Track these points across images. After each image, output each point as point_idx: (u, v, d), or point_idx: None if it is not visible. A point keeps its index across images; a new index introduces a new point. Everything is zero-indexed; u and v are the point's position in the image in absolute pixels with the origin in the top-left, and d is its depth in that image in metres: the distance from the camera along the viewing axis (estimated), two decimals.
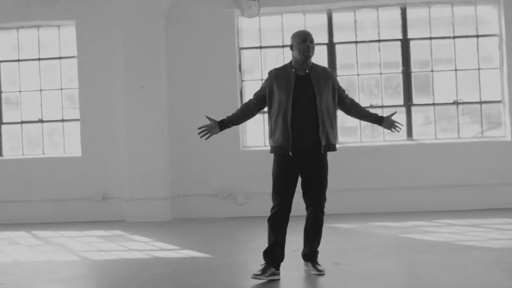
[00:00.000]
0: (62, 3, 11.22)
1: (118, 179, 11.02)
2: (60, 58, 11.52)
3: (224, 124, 6.31)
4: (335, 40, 11.07)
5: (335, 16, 11.10)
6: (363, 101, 11.00)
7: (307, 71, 6.13)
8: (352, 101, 6.39)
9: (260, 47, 11.21)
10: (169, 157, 11.02)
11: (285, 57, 11.08)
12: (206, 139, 6.43)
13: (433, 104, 10.94)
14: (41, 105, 11.54)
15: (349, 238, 8.22)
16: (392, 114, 6.38)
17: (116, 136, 11.03)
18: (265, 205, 9.87)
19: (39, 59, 11.56)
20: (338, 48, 11.08)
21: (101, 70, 11.16)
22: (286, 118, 5.99)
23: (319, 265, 6.26)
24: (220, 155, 11.00)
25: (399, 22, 10.98)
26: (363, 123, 10.83)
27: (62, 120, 11.51)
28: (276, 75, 6.18)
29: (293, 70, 6.14)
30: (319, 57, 11.06)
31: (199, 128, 6.36)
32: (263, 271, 6.00)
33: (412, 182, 10.66)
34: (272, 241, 6.07)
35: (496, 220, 9.15)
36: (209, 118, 6.36)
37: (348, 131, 11.24)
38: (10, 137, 11.69)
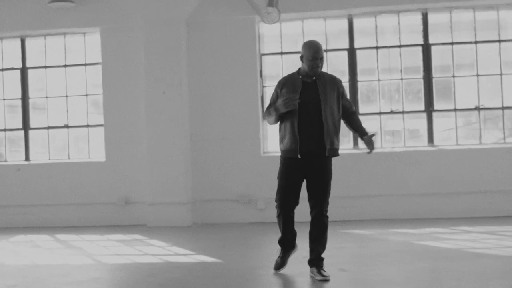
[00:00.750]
0: (87, 11, 11.43)
1: (141, 184, 11.18)
2: (86, 64, 11.75)
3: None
4: (356, 45, 11.07)
5: (356, 22, 11.11)
6: (383, 107, 10.99)
7: (314, 78, 6.27)
8: (353, 110, 6.50)
9: (281, 53, 11.27)
10: (190, 162, 11.15)
11: None
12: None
13: (455, 109, 10.86)
14: (67, 111, 11.78)
15: (362, 244, 8.23)
16: (373, 135, 6.45)
17: (139, 141, 11.19)
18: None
19: (65, 65, 11.81)
20: (358, 53, 11.09)
21: (125, 76, 11.35)
22: (294, 123, 6.17)
23: (324, 271, 6.27)
24: (241, 161, 11.09)
25: (420, 27, 10.93)
26: (383, 129, 10.91)
27: (87, 126, 11.73)
28: (285, 83, 6.37)
29: (300, 77, 6.30)
30: (340, 63, 11.12)
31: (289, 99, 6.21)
32: (282, 259, 6.52)
33: (433, 189, 10.59)
34: (283, 230, 6.45)
35: None
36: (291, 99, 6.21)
37: None
38: (37, 142, 11.96)
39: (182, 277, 6.66)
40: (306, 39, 11.04)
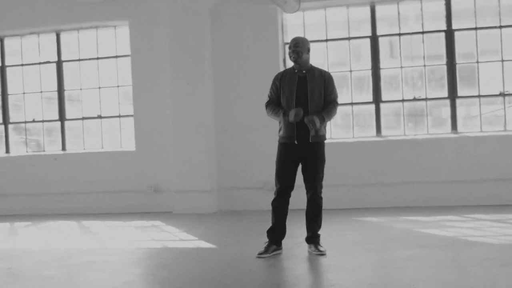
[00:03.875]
0: (117, 5, 11.78)
1: (168, 172, 11.48)
2: (116, 57, 12.12)
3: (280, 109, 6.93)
4: (378, 33, 11.04)
5: (378, 9, 11.06)
6: (406, 94, 10.92)
7: (304, 72, 6.89)
8: (334, 100, 6.93)
9: None
10: (215, 150, 11.37)
11: (329, 50, 11.18)
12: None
13: (479, 96, 10.70)
14: (100, 102, 12.19)
15: (363, 232, 8.25)
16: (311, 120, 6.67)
17: (166, 131, 11.48)
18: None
19: (97, 58, 12.21)
20: (381, 40, 11.04)
21: (152, 68, 11.65)
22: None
23: (321, 246, 6.88)
24: (265, 148, 11.20)
25: (443, 13, 10.78)
26: (406, 116, 10.90)
27: (119, 116, 12.11)
28: (282, 77, 7.01)
29: (296, 71, 6.94)
30: (363, 51, 11.11)
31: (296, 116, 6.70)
32: (266, 249, 6.83)
33: (456, 176, 10.47)
34: (274, 222, 6.94)
35: None
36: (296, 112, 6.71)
37: (392, 123, 11.18)
38: (72, 132, 12.43)
39: (165, 261, 6.90)
40: (329, 28, 11.18)
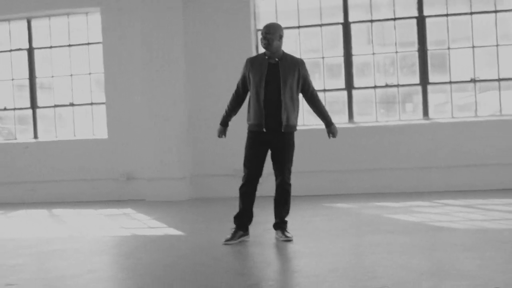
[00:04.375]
0: None
1: (141, 160, 11.43)
2: (88, 44, 12.03)
3: (227, 123, 7.25)
4: (350, 19, 11.03)
5: None
6: (378, 81, 10.95)
7: (276, 59, 6.78)
8: (313, 93, 7.02)
9: None
10: (188, 138, 11.34)
11: (302, 37, 11.17)
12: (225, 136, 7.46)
13: (450, 82, 10.74)
14: (72, 90, 12.10)
15: (332, 218, 8.26)
16: (334, 133, 7.20)
17: (138, 118, 11.43)
18: None
19: (69, 45, 12.11)
20: (353, 27, 11.04)
21: (124, 55, 11.57)
22: (259, 99, 6.74)
23: (288, 232, 6.90)
24: (237, 135, 11.11)
25: (415, 0, 10.80)
26: (379, 102, 10.92)
27: (91, 104, 12.03)
28: (252, 62, 6.90)
29: (266, 57, 6.83)
30: (335, 37, 11.10)
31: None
32: (233, 235, 6.83)
33: (427, 162, 10.54)
34: (241, 208, 6.95)
35: (496, 201, 8.97)
36: (220, 131, 7.38)
37: (363, 110, 11.19)
38: (44, 120, 12.33)
39: (132, 249, 6.85)
40: (301, 15, 11.16)
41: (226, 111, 7.14)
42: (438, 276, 4.94)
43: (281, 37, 6.80)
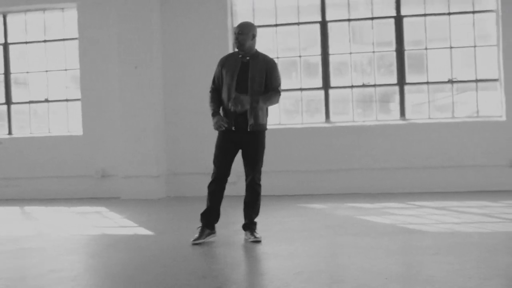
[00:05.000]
0: None
1: (116, 157, 11.33)
2: (64, 40, 11.90)
3: (217, 112, 6.83)
4: (328, 18, 10.96)
5: None
6: (355, 80, 10.91)
7: (247, 58, 6.76)
8: (274, 90, 6.81)
9: None
10: (164, 136, 11.25)
11: (278, 36, 11.09)
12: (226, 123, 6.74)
13: (427, 82, 10.71)
14: (47, 86, 11.97)
15: (306, 219, 8.21)
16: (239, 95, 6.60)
17: (114, 115, 11.32)
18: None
19: (44, 41, 11.98)
20: (330, 26, 10.98)
21: (100, 51, 11.46)
22: (230, 98, 6.65)
23: (257, 233, 6.81)
24: (214, 133, 11.03)
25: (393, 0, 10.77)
26: (355, 102, 10.89)
27: (66, 100, 11.91)
28: (225, 61, 6.90)
29: (240, 56, 6.81)
30: (312, 36, 11.03)
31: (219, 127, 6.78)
32: (200, 234, 6.76)
33: (404, 163, 10.50)
34: (208, 205, 6.85)
35: (471, 203, 8.95)
36: (217, 120, 6.76)
37: (340, 109, 11.14)
38: (19, 116, 12.19)
39: (98, 248, 6.84)
40: (278, 13, 11.09)
41: (212, 108, 6.85)
42: (403, 281, 4.90)
43: (254, 36, 6.76)
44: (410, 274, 5.12)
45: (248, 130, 6.65)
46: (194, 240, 6.71)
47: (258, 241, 6.69)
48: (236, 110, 6.54)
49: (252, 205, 6.87)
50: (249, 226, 6.87)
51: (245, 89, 6.64)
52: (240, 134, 6.71)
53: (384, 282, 4.82)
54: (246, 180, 6.87)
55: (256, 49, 6.84)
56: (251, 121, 6.63)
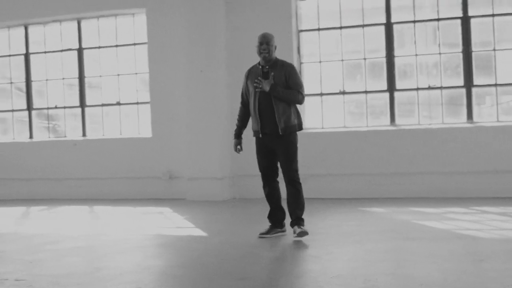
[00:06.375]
0: None
1: (183, 159, 11.54)
2: (134, 44, 12.22)
3: (239, 135, 7.58)
4: (393, 20, 10.84)
5: None
6: (421, 83, 10.73)
7: (267, 67, 7.18)
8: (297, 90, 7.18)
9: (319, 29, 11.23)
10: (229, 138, 11.34)
11: (343, 38, 11.05)
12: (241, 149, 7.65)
13: (495, 85, 10.43)
14: (119, 89, 12.33)
15: (363, 222, 8.14)
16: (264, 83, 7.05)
17: (181, 118, 11.55)
18: (322, 186, 10.51)
19: (116, 45, 12.33)
20: (396, 28, 10.85)
21: (168, 55, 11.72)
22: (255, 107, 7.14)
23: (303, 226, 7.08)
24: None
25: (459, 0, 10.53)
26: (421, 105, 10.73)
27: (137, 103, 12.22)
28: (249, 73, 7.34)
29: (260, 66, 7.24)
30: (377, 38, 10.92)
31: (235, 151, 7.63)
32: (268, 230, 7.25)
33: (471, 167, 10.24)
34: (270, 207, 7.33)
35: None
36: (235, 144, 7.64)
37: (405, 112, 10.98)
38: (92, 118, 12.61)
39: (146, 249, 7.01)
40: (343, 16, 11.04)
41: (237, 124, 7.52)
42: None
43: (276, 47, 7.22)
44: (447, 281, 5.00)
45: (280, 133, 7.01)
46: (261, 233, 7.20)
47: (305, 233, 6.94)
48: (258, 88, 6.99)
49: (294, 203, 7.13)
50: (296, 221, 7.10)
51: (267, 97, 7.00)
52: (268, 139, 7.14)
53: None
54: (284, 180, 7.18)
55: (275, 56, 7.23)
56: (281, 125, 7.00)
